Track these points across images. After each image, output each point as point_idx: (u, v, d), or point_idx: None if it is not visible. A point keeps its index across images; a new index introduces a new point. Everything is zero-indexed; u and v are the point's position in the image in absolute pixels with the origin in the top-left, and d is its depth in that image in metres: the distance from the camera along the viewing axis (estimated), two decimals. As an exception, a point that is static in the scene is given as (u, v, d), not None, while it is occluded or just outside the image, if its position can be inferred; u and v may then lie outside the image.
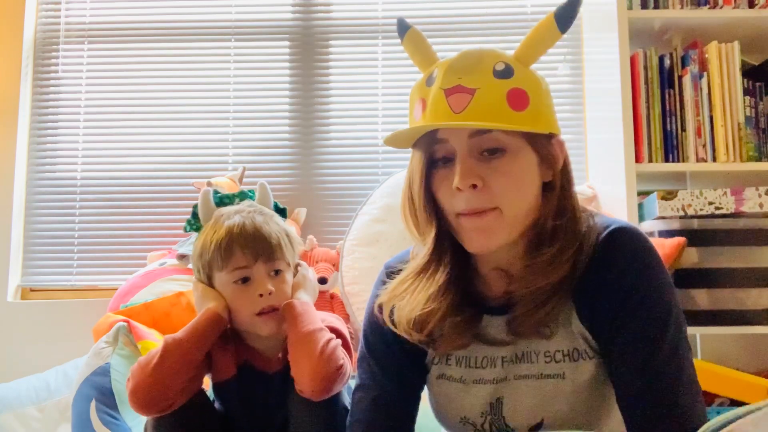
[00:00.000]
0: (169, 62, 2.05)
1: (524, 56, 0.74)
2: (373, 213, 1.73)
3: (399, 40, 0.83)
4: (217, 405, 1.03)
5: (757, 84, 1.64)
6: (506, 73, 0.72)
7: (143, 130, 2.02)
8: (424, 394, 0.88)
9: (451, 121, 0.71)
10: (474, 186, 0.71)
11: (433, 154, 0.75)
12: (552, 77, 1.98)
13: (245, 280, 0.95)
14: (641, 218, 1.60)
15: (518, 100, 0.71)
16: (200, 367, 0.95)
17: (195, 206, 1.08)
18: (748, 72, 1.66)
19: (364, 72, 2.03)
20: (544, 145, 0.75)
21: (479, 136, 0.71)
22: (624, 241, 0.73)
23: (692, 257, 1.47)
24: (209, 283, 0.98)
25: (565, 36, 0.77)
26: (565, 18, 0.74)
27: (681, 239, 1.45)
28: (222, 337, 0.97)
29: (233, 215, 0.98)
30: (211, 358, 0.98)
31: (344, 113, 2.03)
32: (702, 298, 1.47)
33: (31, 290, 2.00)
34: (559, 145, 0.77)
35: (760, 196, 1.48)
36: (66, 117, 2.04)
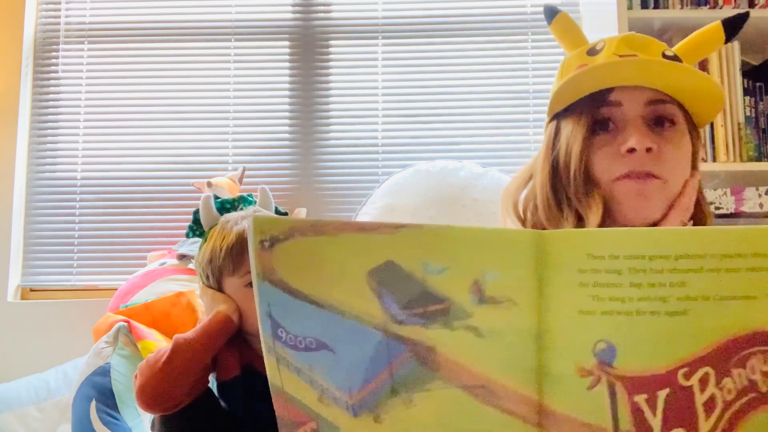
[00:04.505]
0: (169, 62, 2.05)
1: (683, 54, 0.74)
2: (373, 213, 1.73)
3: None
4: (222, 404, 1.04)
5: (757, 84, 1.64)
6: (676, 59, 0.72)
7: (143, 130, 2.02)
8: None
9: (633, 82, 0.69)
10: (649, 150, 0.67)
11: (596, 116, 0.71)
12: (552, 77, 1.98)
13: None
14: (641, 218, 1.60)
15: None
16: (207, 368, 0.96)
17: (196, 212, 1.09)
18: (748, 72, 1.66)
19: (364, 72, 2.03)
20: (697, 140, 0.74)
21: (656, 105, 0.70)
22: None
23: (692, 257, 1.47)
24: (218, 288, 1.00)
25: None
26: (732, 27, 0.75)
27: (681, 239, 1.45)
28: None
29: (241, 221, 0.99)
30: (217, 358, 0.99)
31: (344, 113, 2.03)
32: (702, 298, 1.47)
33: (31, 290, 2.00)
34: (702, 148, 0.77)
35: (760, 196, 1.48)
36: (66, 117, 2.04)
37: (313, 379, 0.40)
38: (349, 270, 0.39)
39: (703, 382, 0.36)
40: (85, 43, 2.06)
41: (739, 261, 0.35)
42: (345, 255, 0.39)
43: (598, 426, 0.38)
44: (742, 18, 0.75)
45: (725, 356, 0.36)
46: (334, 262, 0.39)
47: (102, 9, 2.08)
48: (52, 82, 2.05)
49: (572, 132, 0.72)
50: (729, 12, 1.63)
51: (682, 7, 1.65)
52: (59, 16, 2.07)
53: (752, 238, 0.35)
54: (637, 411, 0.37)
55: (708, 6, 1.65)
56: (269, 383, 0.41)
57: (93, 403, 1.30)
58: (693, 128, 0.74)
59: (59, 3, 2.08)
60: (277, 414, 0.41)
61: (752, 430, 0.37)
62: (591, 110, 0.71)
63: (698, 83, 0.69)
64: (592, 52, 0.73)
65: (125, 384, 1.34)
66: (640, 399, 0.37)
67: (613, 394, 0.37)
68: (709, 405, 0.37)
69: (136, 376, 0.92)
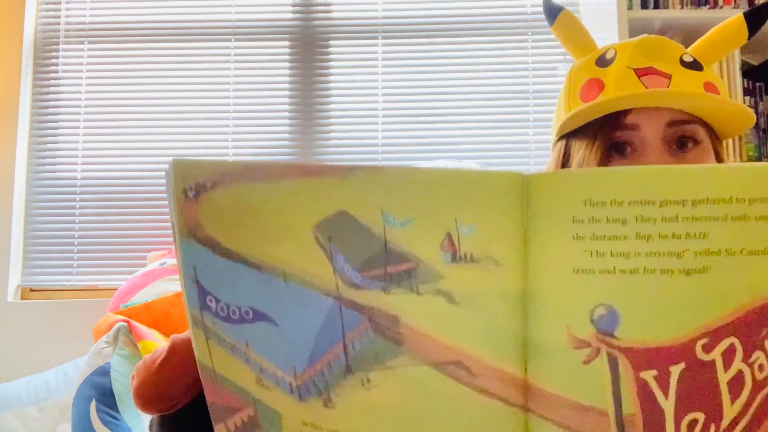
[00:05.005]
0: (169, 62, 2.05)
1: (703, 54, 0.68)
2: (373, 213, 1.73)
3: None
4: None
5: (757, 84, 1.64)
6: (696, 65, 0.66)
7: (143, 130, 2.02)
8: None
9: (650, 103, 0.63)
10: None
11: (611, 139, 0.65)
12: (552, 77, 1.98)
13: None
14: (641, 218, 1.60)
15: (715, 93, 0.65)
16: None
17: None
18: (748, 72, 1.66)
19: (364, 72, 2.03)
20: (721, 149, 0.69)
21: (677, 126, 0.64)
22: None
23: (692, 257, 1.47)
24: None
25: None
26: (756, 20, 0.68)
27: (681, 239, 1.45)
28: None
29: None
30: None
31: (344, 113, 2.03)
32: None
33: (31, 290, 2.00)
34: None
35: (760, 196, 1.48)
36: (66, 117, 2.04)
37: (249, 357, 0.34)
38: (293, 223, 0.32)
39: (728, 355, 0.30)
40: (85, 43, 2.06)
41: None
42: (287, 205, 0.32)
43: (597, 408, 0.31)
44: (766, 8, 0.68)
45: (755, 324, 0.30)
46: (274, 213, 0.32)
47: (102, 9, 2.08)
48: (52, 82, 2.05)
49: (585, 159, 0.67)
50: (729, 12, 1.64)
51: (682, 7, 1.65)
52: (59, 16, 2.07)
53: None
54: (644, 391, 0.31)
55: (708, 6, 1.65)
56: (197, 362, 0.35)
57: (93, 403, 1.30)
58: (717, 141, 0.69)
59: (59, 3, 2.07)
60: (207, 400, 0.36)
61: None
62: (605, 134, 0.65)
63: (726, 108, 0.64)
64: (602, 62, 0.68)
65: (125, 384, 1.34)
66: (649, 376, 0.31)
67: (614, 370, 0.31)
68: (736, 384, 0.30)
69: (133, 377, 0.92)
